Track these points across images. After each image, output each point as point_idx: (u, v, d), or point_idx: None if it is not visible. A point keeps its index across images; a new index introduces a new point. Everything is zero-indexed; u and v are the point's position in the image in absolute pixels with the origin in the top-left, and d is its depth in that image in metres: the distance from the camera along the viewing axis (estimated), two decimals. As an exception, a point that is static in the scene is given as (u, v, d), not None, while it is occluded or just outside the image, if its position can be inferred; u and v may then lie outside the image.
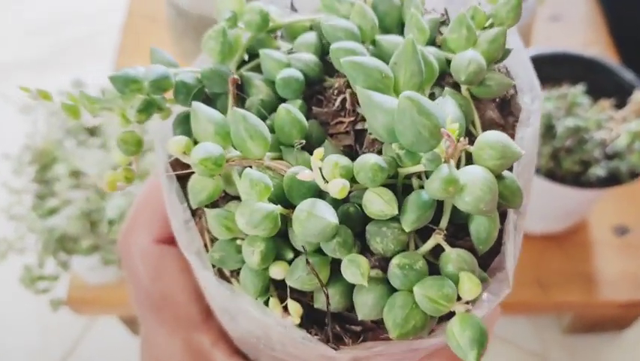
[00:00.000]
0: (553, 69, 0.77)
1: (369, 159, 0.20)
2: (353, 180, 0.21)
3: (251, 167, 0.22)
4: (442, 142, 0.20)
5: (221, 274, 0.24)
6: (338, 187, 0.20)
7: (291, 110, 0.23)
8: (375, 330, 0.23)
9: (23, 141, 0.70)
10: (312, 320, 0.23)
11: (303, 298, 0.23)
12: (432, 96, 0.24)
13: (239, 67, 0.26)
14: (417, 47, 0.22)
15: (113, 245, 0.68)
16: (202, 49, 0.25)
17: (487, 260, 0.23)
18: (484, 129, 0.24)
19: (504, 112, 0.26)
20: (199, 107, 0.22)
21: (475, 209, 0.20)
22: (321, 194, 0.21)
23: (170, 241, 0.28)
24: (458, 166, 0.21)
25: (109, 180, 0.23)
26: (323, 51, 0.26)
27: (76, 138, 0.69)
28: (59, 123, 0.71)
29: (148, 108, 0.23)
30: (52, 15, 1.47)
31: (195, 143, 0.22)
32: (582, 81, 0.73)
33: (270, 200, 0.21)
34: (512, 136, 0.25)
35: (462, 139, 0.20)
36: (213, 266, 0.24)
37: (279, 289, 0.23)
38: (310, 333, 0.22)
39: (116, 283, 0.79)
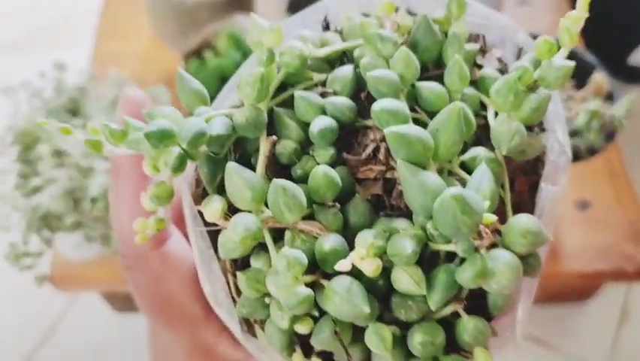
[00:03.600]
0: (519, 51, 0.80)
1: (406, 248, 0.21)
2: (385, 253, 0.22)
3: (284, 229, 0.22)
4: (481, 236, 0.20)
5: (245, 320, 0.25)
6: (372, 267, 0.20)
7: (328, 173, 0.22)
8: None
9: (5, 122, 0.71)
10: None
11: (323, 354, 0.24)
12: (465, 146, 0.24)
13: (270, 98, 0.25)
14: (461, 115, 0.21)
15: (95, 222, 0.70)
16: (237, 89, 0.24)
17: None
18: (510, 175, 0.24)
19: (529, 162, 0.26)
20: (235, 170, 0.22)
21: (499, 294, 0.21)
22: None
23: (163, 240, 0.29)
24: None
25: (139, 228, 0.23)
26: (358, 86, 0.25)
27: (58, 119, 0.71)
28: (41, 104, 0.73)
29: (183, 163, 0.22)
30: (28, -3, 1.47)
31: (228, 202, 0.22)
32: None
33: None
34: (537, 181, 0.25)
35: (493, 220, 0.20)
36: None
37: (300, 340, 0.24)
38: None
39: (98, 260, 0.81)
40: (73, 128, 0.22)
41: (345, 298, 0.21)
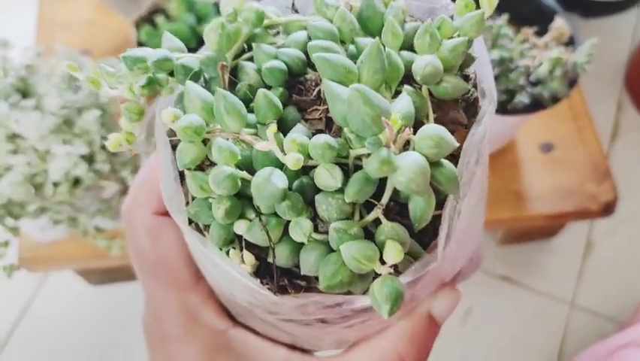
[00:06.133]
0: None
1: (320, 138, 0.23)
2: (310, 157, 0.24)
3: (228, 139, 0.25)
4: (386, 129, 0.22)
5: (198, 230, 0.28)
6: (293, 159, 0.23)
7: (268, 94, 0.26)
8: (316, 284, 0.26)
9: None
10: (269, 274, 0.26)
11: (263, 255, 0.26)
12: (397, 94, 0.26)
13: (237, 56, 0.29)
14: (381, 48, 0.24)
15: (60, 206, 0.68)
16: (204, 38, 0.28)
17: (430, 240, 0.26)
18: (450, 128, 0.26)
19: (468, 113, 0.28)
20: (191, 87, 0.26)
21: (407, 188, 0.22)
22: (281, 167, 0.24)
23: (167, 213, 0.32)
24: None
25: (113, 141, 0.27)
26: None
27: (8, 101, 0.68)
28: (-13, 86, 0.69)
29: (151, 84, 0.27)
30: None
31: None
32: (505, 8, 0.76)
33: (239, 167, 0.25)
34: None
35: (407, 129, 0.23)
36: (191, 223, 0.27)
37: (242, 244, 0.26)
38: (263, 283, 0.26)
39: (67, 239, 0.80)
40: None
41: (265, 180, 0.24)
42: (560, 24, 0.73)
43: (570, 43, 0.74)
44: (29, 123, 0.66)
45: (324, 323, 0.29)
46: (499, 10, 0.76)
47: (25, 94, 0.70)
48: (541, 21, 0.76)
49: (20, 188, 0.64)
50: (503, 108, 0.72)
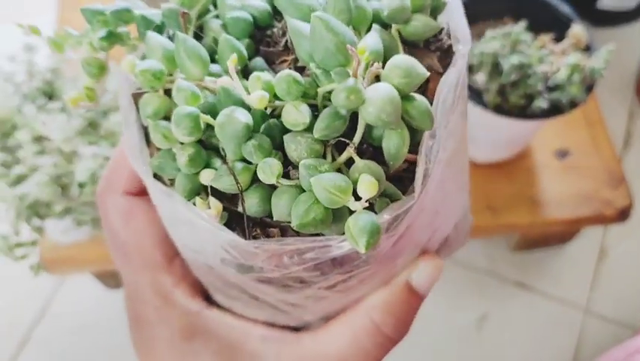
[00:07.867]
0: (495, 4, 0.81)
1: (285, 72, 0.22)
2: (277, 98, 0.23)
3: None
4: (353, 62, 0.22)
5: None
6: (257, 97, 0.22)
7: (230, 39, 0.25)
8: (292, 234, 0.25)
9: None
10: (239, 227, 0.25)
11: (233, 207, 0.25)
12: None
13: (202, 16, 0.28)
14: None
15: (85, 207, 0.69)
16: None
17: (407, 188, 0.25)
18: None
19: (444, 62, 0.27)
20: (151, 35, 0.25)
21: (377, 120, 0.21)
22: (248, 110, 0.23)
23: (138, 194, 0.31)
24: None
25: (72, 98, 0.26)
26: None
27: (35, 103, 0.69)
28: (14, 89, 0.71)
29: (110, 37, 0.26)
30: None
31: None
32: (521, 15, 0.77)
33: (205, 113, 0.24)
34: None
35: (376, 64, 0.22)
36: (156, 177, 0.26)
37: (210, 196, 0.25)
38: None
39: (87, 242, 0.81)
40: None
41: (228, 116, 0.22)
42: (577, 30, 0.74)
43: (586, 50, 0.75)
44: (55, 125, 0.67)
45: (303, 283, 0.27)
46: (518, 17, 0.77)
47: (51, 96, 0.71)
48: (557, 29, 0.77)
49: (47, 188, 0.65)
50: (522, 113, 0.73)
